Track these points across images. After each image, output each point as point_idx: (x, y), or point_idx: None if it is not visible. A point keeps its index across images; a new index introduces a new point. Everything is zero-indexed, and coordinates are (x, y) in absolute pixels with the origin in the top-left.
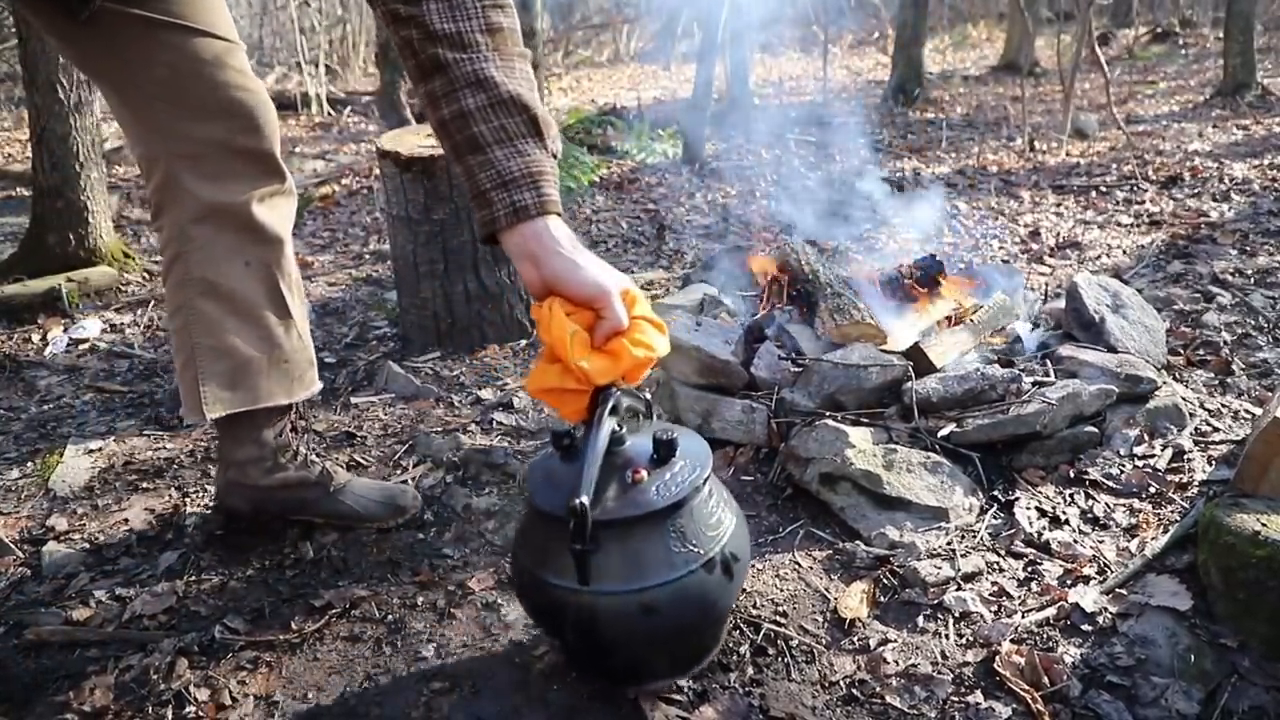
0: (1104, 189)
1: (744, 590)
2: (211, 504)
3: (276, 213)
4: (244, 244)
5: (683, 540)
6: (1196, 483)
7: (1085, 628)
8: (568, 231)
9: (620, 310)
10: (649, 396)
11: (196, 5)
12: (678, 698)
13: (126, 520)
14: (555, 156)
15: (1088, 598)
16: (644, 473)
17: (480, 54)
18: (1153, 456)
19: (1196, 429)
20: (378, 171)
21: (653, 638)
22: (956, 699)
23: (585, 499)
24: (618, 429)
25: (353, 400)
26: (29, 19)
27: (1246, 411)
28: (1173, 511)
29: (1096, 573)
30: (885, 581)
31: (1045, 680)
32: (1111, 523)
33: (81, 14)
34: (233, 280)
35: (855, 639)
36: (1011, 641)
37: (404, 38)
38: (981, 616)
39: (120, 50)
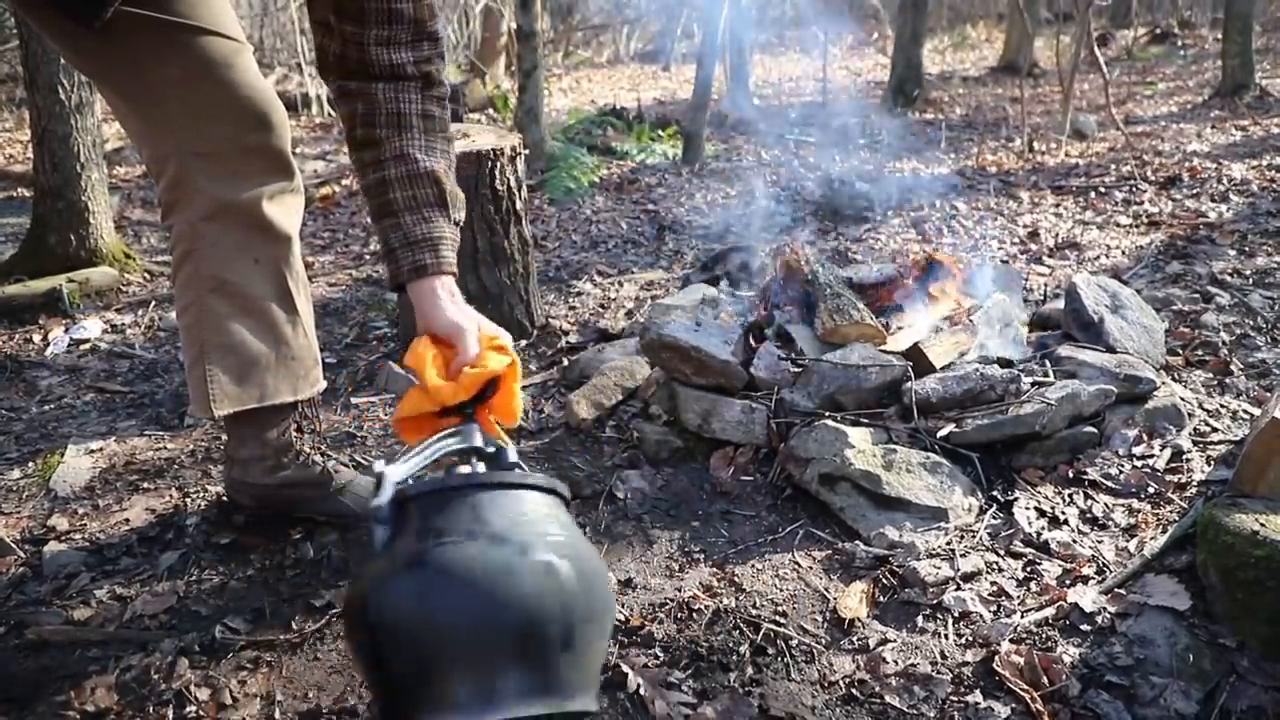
0: (1103, 189)
1: (744, 590)
2: (213, 502)
3: (286, 210)
4: (254, 241)
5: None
6: (1195, 483)
7: (1084, 627)
8: (455, 289)
9: (472, 343)
10: (506, 445)
11: (206, 6)
12: (676, 680)
13: (127, 520)
14: (457, 224)
15: (1087, 597)
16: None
17: (410, 134)
18: (1151, 457)
19: (1195, 429)
20: None
21: None
22: (956, 699)
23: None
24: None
25: (353, 400)
26: (35, 28)
27: (1245, 412)
28: (1171, 511)
29: (1095, 573)
30: (885, 581)
31: (1044, 680)
32: (1110, 523)
33: (95, 21)
34: (242, 278)
35: (855, 639)
36: (1011, 641)
37: (349, 111)
38: (981, 616)
39: (131, 53)
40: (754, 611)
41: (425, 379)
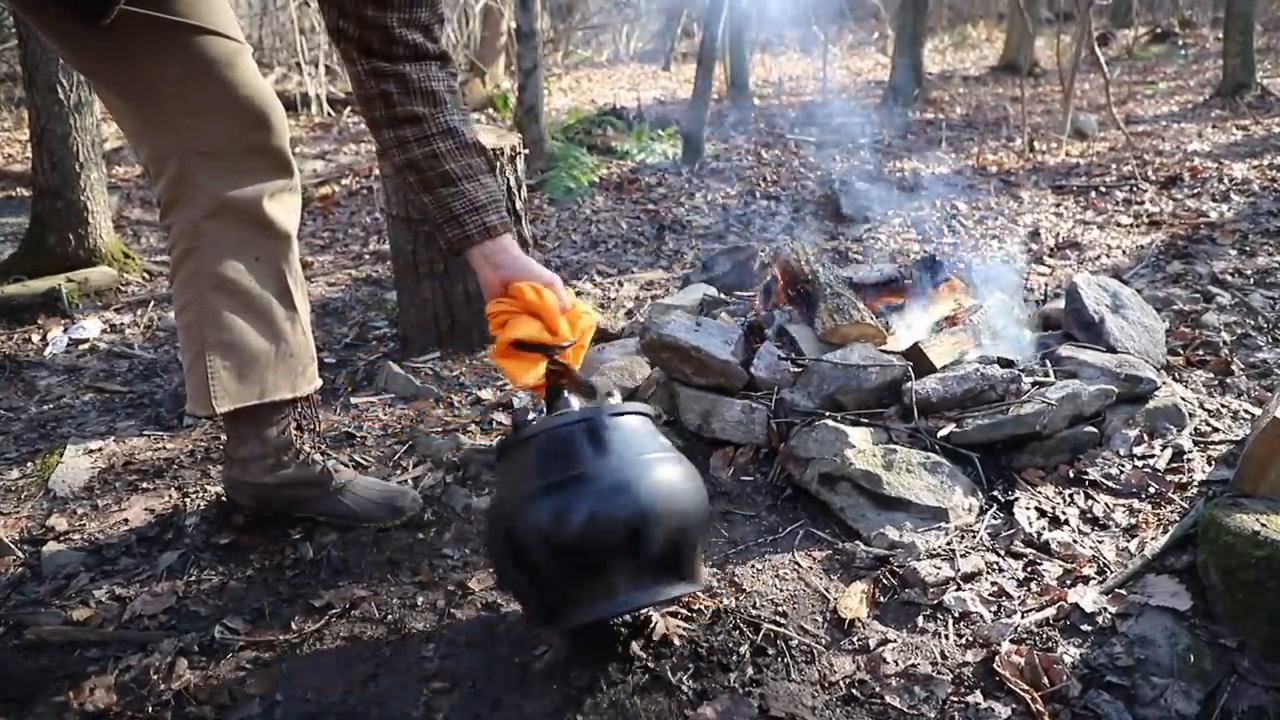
0: (1103, 189)
1: (744, 590)
2: (212, 502)
3: (285, 209)
4: (254, 239)
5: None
6: (1196, 483)
7: (1085, 628)
8: (516, 244)
9: (564, 291)
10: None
11: (206, 6)
12: (675, 679)
13: (126, 520)
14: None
15: (1087, 598)
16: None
17: (446, 109)
18: (1152, 457)
19: (1196, 429)
20: (377, 171)
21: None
22: (956, 699)
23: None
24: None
25: (353, 400)
26: (34, 27)
27: (1246, 412)
28: (1172, 512)
29: (1096, 573)
30: (885, 582)
31: (1045, 680)
32: (1111, 523)
33: (100, 20)
34: (243, 275)
35: (855, 639)
36: (1011, 641)
37: (383, 90)
38: (981, 616)
39: (133, 53)
40: (754, 612)
41: (555, 315)
